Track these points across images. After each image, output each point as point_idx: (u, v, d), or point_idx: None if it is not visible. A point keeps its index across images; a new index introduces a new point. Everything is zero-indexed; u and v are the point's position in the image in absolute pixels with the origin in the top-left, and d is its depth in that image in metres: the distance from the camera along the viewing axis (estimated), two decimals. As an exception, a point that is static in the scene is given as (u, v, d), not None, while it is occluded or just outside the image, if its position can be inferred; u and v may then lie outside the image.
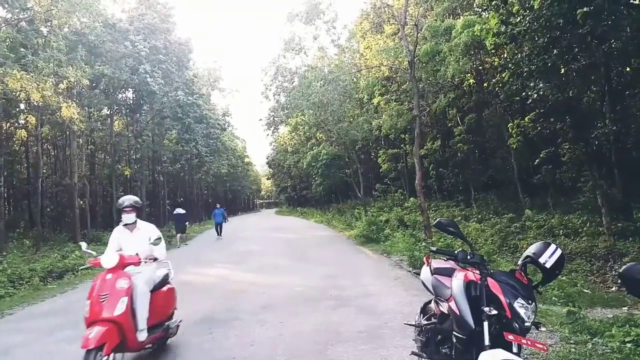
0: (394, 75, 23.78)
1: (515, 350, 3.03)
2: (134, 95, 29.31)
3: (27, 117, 25.86)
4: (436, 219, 3.86)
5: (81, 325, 4.68)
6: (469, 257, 3.38)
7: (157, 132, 29.86)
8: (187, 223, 23.72)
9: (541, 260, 3.35)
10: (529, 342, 3.00)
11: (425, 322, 4.25)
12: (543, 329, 3.39)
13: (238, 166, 69.58)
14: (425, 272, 4.39)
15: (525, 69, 11.06)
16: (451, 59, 15.39)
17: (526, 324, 3.05)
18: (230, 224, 31.94)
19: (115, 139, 27.81)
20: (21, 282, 12.16)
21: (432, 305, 4.24)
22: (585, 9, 8.35)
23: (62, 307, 9.35)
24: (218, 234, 25.77)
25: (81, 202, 24.14)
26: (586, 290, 8.09)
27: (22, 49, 15.99)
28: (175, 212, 23.57)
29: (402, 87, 23.31)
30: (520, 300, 3.08)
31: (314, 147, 37.39)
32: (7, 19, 16.28)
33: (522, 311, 3.05)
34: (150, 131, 29.27)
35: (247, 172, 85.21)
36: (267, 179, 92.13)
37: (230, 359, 5.59)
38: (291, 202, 79.82)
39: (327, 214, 38.90)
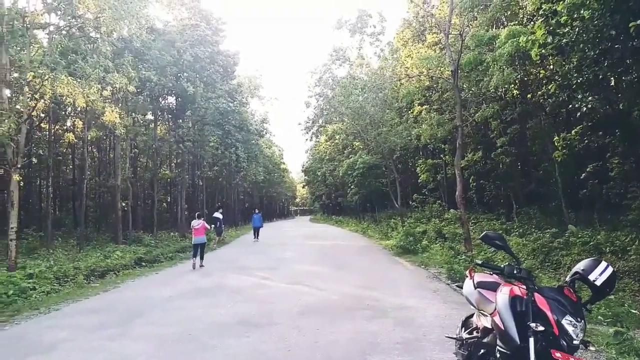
0: (435, 85, 23.62)
1: (562, 368, 2.86)
2: (176, 102, 30.02)
3: (74, 120, 26.92)
4: (478, 232, 3.84)
5: (123, 323, 4.86)
6: (515, 272, 3.34)
7: (198, 138, 30.41)
8: (222, 226, 24.30)
9: (591, 277, 3.27)
10: (577, 361, 2.83)
11: (467, 336, 4.20)
12: (592, 348, 3.31)
13: (274, 172, 70.29)
14: (468, 285, 4.34)
15: (574, 81, 10.79)
16: (495, 69, 15.18)
17: (574, 342, 2.98)
18: (266, 230, 32.27)
19: (158, 143, 28.54)
20: (66, 279, 12.62)
21: (474, 319, 4.19)
22: (639, 21, 8.11)
23: (105, 305, 9.66)
24: (255, 237, 26.76)
25: (123, 204, 24.84)
26: (634, 311, 7.78)
27: (72, 54, 16.66)
28: (213, 216, 24.16)
29: (443, 96, 23.12)
30: (568, 317, 3.01)
31: (350, 156, 37.42)
32: (60, 26, 17.00)
33: (570, 329, 2.99)
34: (191, 137, 29.86)
35: (283, 179, 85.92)
36: (303, 186, 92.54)
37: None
38: (326, 210, 79.88)
39: (363, 223, 38.79)
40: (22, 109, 14.39)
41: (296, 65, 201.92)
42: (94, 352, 6.32)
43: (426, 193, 31.21)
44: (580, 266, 3.39)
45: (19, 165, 13.52)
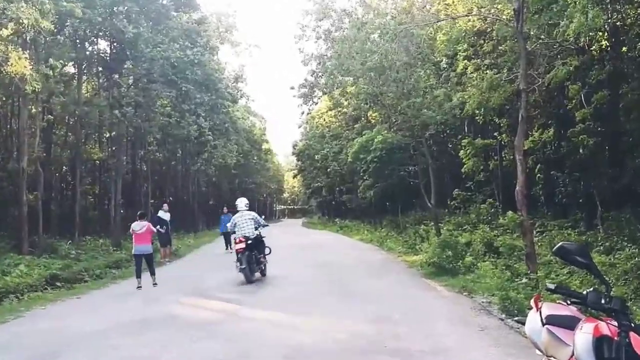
0: (489, 30, 23.51)
1: None
2: (111, 48, 29.95)
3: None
4: (547, 245, 3.87)
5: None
6: (603, 302, 3.33)
7: (142, 102, 30.28)
8: (169, 231, 24.49)
9: None
10: None
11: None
12: None
13: (253, 154, 70.29)
14: (532, 320, 4.35)
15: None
16: (575, 10, 15.13)
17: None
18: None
19: (84, 108, 28.41)
20: None
21: (541, 369, 4.12)
22: None
23: (3, 343, 9.68)
24: (227, 248, 27.28)
25: (31, 197, 24.73)
26: None
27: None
28: (157, 216, 24.16)
29: (501, 47, 23.00)
30: (678, 368, 2.94)
31: (363, 132, 37.38)
32: None
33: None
34: (132, 99, 29.73)
35: (266, 164, 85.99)
36: (294, 175, 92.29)
37: None
38: (326, 209, 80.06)
39: (379, 229, 38.78)
40: None
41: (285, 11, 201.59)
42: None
43: (472, 188, 31.24)
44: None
45: None
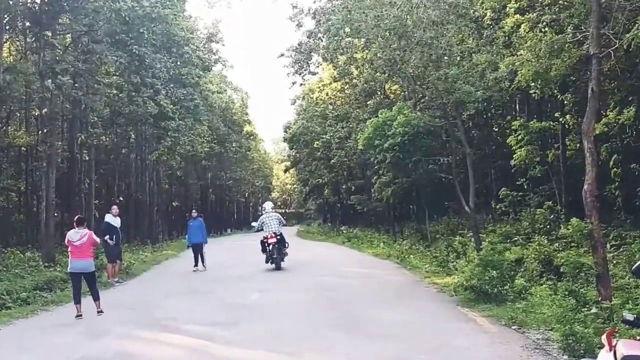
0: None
1: None
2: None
3: None
4: (625, 263, 3.87)
5: None
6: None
7: (82, 69, 30.24)
8: (120, 242, 24.56)
9: None
10: None
11: None
12: None
13: (231, 140, 70.21)
14: (605, 361, 4.23)
15: None
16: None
17: None
18: (214, 251, 32.38)
19: (5, 77, 28.41)
20: None
21: None
22: None
23: None
24: (196, 263, 27.81)
25: None
26: None
27: None
28: (105, 222, 24.25)
29: (563, -1, 23.01)
30: None
31: (379, 111, 37.23)
32: None
33: None
34: (70, 65, 29.66)
35: (248, 154, 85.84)
36: (285, 169, 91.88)
37: None
38: (329, 214, 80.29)
39: (400, 241, 38.88)
40: None
41: None
42: None
43: (525, 186, 31.20)
44: None
45: None
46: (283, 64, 42.47)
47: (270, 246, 27.21)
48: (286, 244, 28.47)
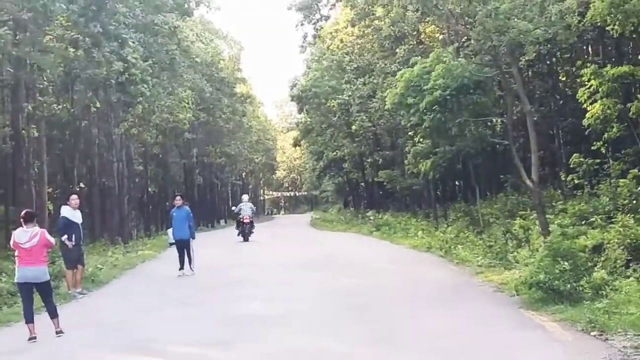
0: None
1: None
2: None
3: None
4: None
5: None
6: None
7: (26, 19, 30.46)
8: (81, 241, 24.60)
9: None
10: None
11: None
12: None
13: (222, 106, 69.91)
14: None
15: None
16: None
17: None
18: (202, 248, 32.68)
19: None
20: None
21: None
22: None
23: None
24: (182, 265, 27.74)
25: None
26: None
27: None
28: (62, 217, 24.29)
29: None
30: None
31: (413, 61, 37.14)
32: None
33: None
34: (9, 15, 29.86)
35: (243, 120, 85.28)
36: (294, 142, 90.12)
37: None
38: (352, 197, 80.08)
39: (444, 228, 38.86)
40: None
41: None
42: None
43: (603, 151, 31.18)
44: None
45: None
46: (289, 6, 42.04)
47: (244, 225, 49.67)
48: (254, 226, 51.27)
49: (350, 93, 52.61)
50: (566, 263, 18.16)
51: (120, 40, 35.08)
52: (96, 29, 34.02)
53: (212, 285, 24.47)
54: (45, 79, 34.94)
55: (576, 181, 31.49)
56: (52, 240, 17.39)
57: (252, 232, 49.27)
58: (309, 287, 23.20)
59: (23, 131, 38.29)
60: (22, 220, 16.71)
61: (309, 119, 69.81)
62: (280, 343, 14.69)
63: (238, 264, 30.67)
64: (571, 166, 31.59)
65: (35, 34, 31.24)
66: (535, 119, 28.59)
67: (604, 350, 12.79)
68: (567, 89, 34.93)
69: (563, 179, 33.04)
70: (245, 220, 48.57)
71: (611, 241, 21.81)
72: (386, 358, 13.09)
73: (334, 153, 67.88)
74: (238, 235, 48.70)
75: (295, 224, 76.52)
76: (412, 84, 33.76)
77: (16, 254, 16.39)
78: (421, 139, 38.15)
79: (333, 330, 15.79)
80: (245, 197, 60.01)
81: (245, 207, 50.57)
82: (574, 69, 33.60)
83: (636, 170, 27.59)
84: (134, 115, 46.21)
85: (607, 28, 25.22)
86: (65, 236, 23.19)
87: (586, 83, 29.55)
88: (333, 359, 13.22)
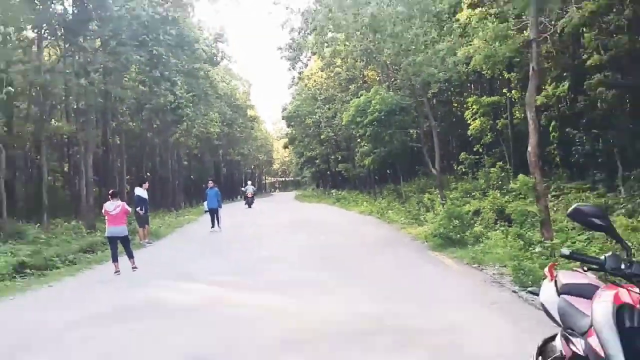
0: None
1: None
2: (73, 8, 29.56)
3: None
4: (563, 210, 3.89)
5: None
6: (624, 267, 3.33)
7: (111, 67, 30.07)
8: (147, 211, 24.50)
9: None
10: None
11: (549, 370, 4.36)
12: None
13: (237, 123, 70.20)
14: (547, 290, 4.37)
15: None
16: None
17: None
18: (227, 214, 32.39)
19: (46, 76, 28.13)
20: None
21: (557, 342, 4.22)
22: None
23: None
24: (213, 225, 28.00)
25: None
26: None
27: None
28: (137, 195, 24.22)
29: (508, -7, 22.94)
30: None
31: (360, 94, 37.14)
32: None
33: None
34: (99, 65, 29.50)
35: (252, 133, 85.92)
36: (284, 145, 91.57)
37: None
38: (321, 180, 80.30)
39: (380, 200, 38.95)
40: None
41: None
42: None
43: (480, 151, 31.34)
44: None
45: None
46: (280, 57, 42.25)
47: (248, 198, 49.47)
48: (254, 199, 50.90)
49: (320, 114, 52.77)
50: (456, 221, 18.46)
51: (172, 81, 34.85)
52: (156, 73, 33.67)
53: (232, 238, 24.44)
54: (123, 106, 34.48)
55: (463, 170, 31.70)
56: (129, 209, 17.43)
57: (253, 202, 49.52)
58: (294, 239, 23.08)
59: (110, 140, 38.07)
60: (109, 196, 16.95)
61: (294, 131, 70.26)
62: (277, 274, 14.63)
63: (251, 225, 30.59)
64: (460, 160, 31.82)
65: (118, 76, 30.91)
66: (438, 130, 28.46)
67: (480, 275, 13.14)
68: (458, 112, 34.84)
69: (455, 168, 33.18)
70: (249, 195, 49.59)
71: (485, 207, 22.07)
72: (346, 281, 13.08)
73: (310, 153, 68.24)
74: (245, 204, 48.11)
75: (286, 199, 76.81)
76: (359, 108, 33.92)
77: (106, 218, 16.41)
78: (365, 144, 38.02)
79: (310, 267, 15.77)
80: (249, 182, 63.05)
81: (249, 188, 51.99)
82: (462, 98, 33.55)
83: (500, 163, 27.77)
84: (181, 129, 45.96)
85: (482, 72, 25.05)
86: (138, 207, 23.26)
87: (470, 107, 29.64)
88: (313, 282, 13.03)
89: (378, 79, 33.72)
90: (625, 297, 3.34)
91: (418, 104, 29.94)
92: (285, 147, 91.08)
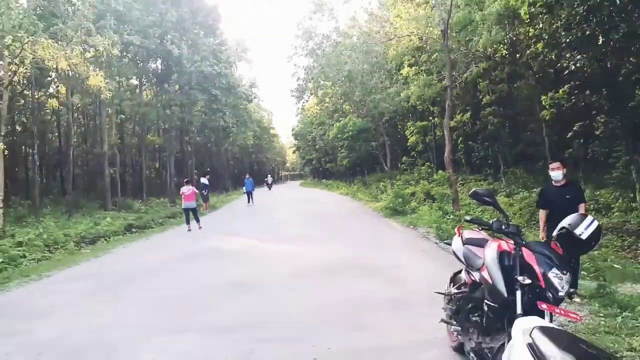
0: (424, 45, 23.35)
1: (547, 319, 3.04)
2: (162, 65, 29.39)
3: (57, 86, 26.29)
4: (466, 193, 3.89)
5: (116, 288, 4.94)
6: (504, 227, 3.37)
7: (185, 102, 29.92)
8: (209, 192, 24.50)
9: (577, 231, 3.35)
10: (563, 312, 3.00)
11: (456, 291, 4.30)
12: (577, 299, 3.40)
13: (264, 138, 70.01)
14: (456, 242, 4.40)
15: (562, 40, 10.74)
16: (484, 29, 15.00)
17: (560, 294, 3.04)
18: (257, 195, 32.33)
19: (144, 108, 28.06)
20: (56, 246, 12.62)
21: (463, 275, 4.27)
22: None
23: (97, 271, 9.72)
24: (249, 202, 27.55)
25: (111, 171, 24.65)
26: (617, 266, 7.99)
27: (52, 18, 16.16)
28: (202, 183, 24.23)
29: (433, 57, 22.89)
30: (554, 270, 3.07)
31: (340, 119, 37.11)
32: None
33: (556, 281, 3.04)
34: (178, 101, 29.38)
35: (273, 144, 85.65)
36: (293, 151, 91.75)
37: (259, 321, 5.74)
38: (316, 174, 79.90)
39: (352, 186, 38.88)
40: (2, 75, 14.02)
41: (284, 25, 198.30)
42: (89, 316, 6.37)
43: (415, 155, 31.30)
44: (567, 221, 3.46)
45: (2, 133, 13.30)
46: (291, 95, 42.08)
47: (268, 184, 46.93)
48: (272, 185, 48.89)
49: (315, 133, 52.72)
50: (400, 199, 18.39)
51: (223, 112, 34.68)
52: (214, 106, 33.55)
53: (262, 210, 24.10)
54: (193, 127, 34.33)
55: (404, 167, 31.66)
56: (197, 191, 17.34)
57: (272, 187, 47.55)
58: (298, 209, 22.97)
59: (184, 148, 37.79)
60: (184, 183, 16.70)
61: (299, 143, 69.98)
62: (288, 231, 14.54)
63: (273, 201, 30.31)
64: (403, 161, 31.80)
65: (189, 108, 30.71)
66: (388, 143, 28.59)
67: (415, 233, 13.00)
68: (402, 131, 34.66)
69: (399, 166, 33.09)
70: (269, 182, 47.67)
71: (418, 191, 21.92)
72: (331, 236, 12.90)
73: (309, 156, 67.96)
74: (267, 189, 45.79)
75: (294, 185, 76.27)
76: (340, 129, 33.68)
77: (182, 197, 16.32)
78: (343, 151, 37.88)
79: (309, 227, 15.74)
80: (269, 175, 58.31)
81: (269, 178, 50.19)
82: (404, 123, 33.41)
83: (428, 163, 27.56)
84: (229, 142, 45.76)
85: (417, 106, 24.97)
86: (203, 190, 23.10)
87: (409, 128, 29.56)
88: (310, 237, 12.89)
89: (352, 111, 33.52)
90: (505, 246, 3.41)
91: (376, 127, 29.78)
92: (294, 152, 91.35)
